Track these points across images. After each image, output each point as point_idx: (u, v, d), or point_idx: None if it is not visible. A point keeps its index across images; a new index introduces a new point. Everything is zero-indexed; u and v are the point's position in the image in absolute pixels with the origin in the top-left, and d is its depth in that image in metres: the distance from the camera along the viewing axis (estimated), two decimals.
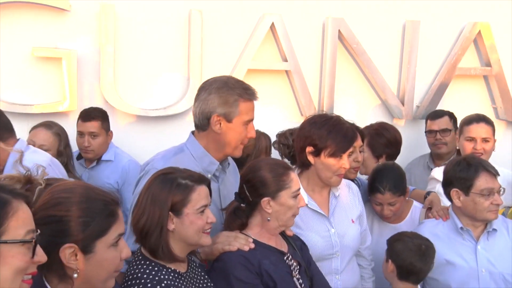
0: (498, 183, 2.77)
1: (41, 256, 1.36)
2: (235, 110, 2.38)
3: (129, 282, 1.94)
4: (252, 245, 2.23)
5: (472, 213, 2.78)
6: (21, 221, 1.31)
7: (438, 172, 3.46)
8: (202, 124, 2.44)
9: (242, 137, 2.45)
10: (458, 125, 3.73)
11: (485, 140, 3.44)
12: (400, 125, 4.51)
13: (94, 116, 3.60)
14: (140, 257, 2.02)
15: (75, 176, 3.32)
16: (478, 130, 3.44)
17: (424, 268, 2.65)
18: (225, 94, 2.38)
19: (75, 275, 1.56)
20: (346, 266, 2.66)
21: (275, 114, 4.27)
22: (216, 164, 2.47)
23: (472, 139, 3.44)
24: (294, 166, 2.66)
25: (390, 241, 2.76)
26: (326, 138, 2.55)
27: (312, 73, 4.30)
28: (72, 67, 3.68)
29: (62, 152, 3.31)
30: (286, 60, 4.17)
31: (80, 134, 3.60)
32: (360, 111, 4.47)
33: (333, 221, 2.66)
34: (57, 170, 2.79)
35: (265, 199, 2.24)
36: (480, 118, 3.51)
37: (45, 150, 3.14)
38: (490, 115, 4.77)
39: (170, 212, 1.98)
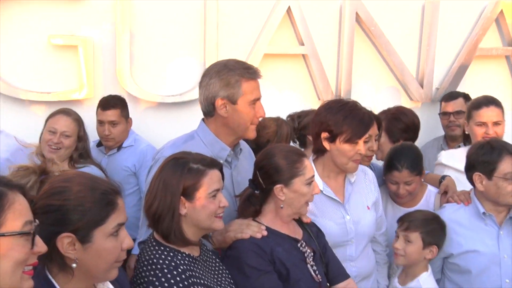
0: None
1: (40, 246, 1.36)
2: (238, 91, 2.33)
3: (144, 268, 1.93)
4: (265, 233, 2.21)
5: (495, 198, 2.71)
6: (18, 212, 1.31)
7: (445, 157, 3.38)
8: (209, 110, 2.40)
9: (250, 117, 2.40)
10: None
11: (496, 123, 3.28)
12: (418, 107, 4.45)
13: (114, 104, 3.59)
14: (154, 243, 2.01)
15: (94, 162, 3.33)
16: (488, 114, 3.28)
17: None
18: (226, 76, 2.34)
19: (74, 265, 1.55)
20: (361, 253, 2.63)
21: (292, 99, 4.23)
22: (227, 150, 2.44)
23: (483, 124, 3.28)
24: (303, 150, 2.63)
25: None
26: (342, 123, 2.50)
27: (329, 56, 4.24)
28: (89, 55, 3.68)
29: (82, 137, 3.30)
30: (303, 44, 4.11)
31: (100, 122, 3.61)
32: (378, 95, 4.41)
33: (348, 208, 2.63)
34: (24, 156, 2.76)
35: (278, 186, 2.21)
36: (489, 101, 3.33)
37: (67, 137, 3.19)
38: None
39: (182, 197, 1.97)
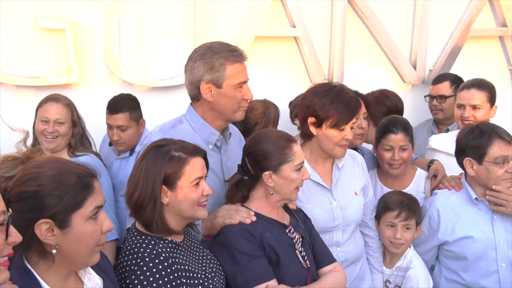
0: None
1: (15, 236, 1.31)
2: (222, 75, 2.29)
3: (126, 257, 1.91)
4: (254, 218, 2.18)
5: (486, 182, 2.67)
6: None
7: (434, 142, 3.33)
8: (194, 95, 2.36)
9: (237, 100, 2.35)
10: None
11: (474, 107, 3.21)
12: (411, 89, 4.41)
13: (121, 107, 3.31)
14: (135, 232, 1.98)
15: (92, 150, 3.24)
16: (467, 97, 3.22)
17: None
18: (210, 59, 2.29)
19: (54, 251, 1.52)
20: (348, 239, 2.60)
21: (284, 82, 4.17)
22: (216, 135, 2.40)
23: (461, 106, 3.24)
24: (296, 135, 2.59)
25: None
26: (328, 108, 2.44)
27: (321, 38, 4.17)
28: (77, 38, 3.60)
29: (76, 122, 3.16)
30: (294, 26, 4.05)
31: (109, 126, 3.35)
32: (371, 77, 4.35)
33: (335, 193, 2.58)
34: None
35: (267, 173, 2.18)
36: (471, 84, 3.26)
37: (61, 124, 3.07)
38: (506, 77, 4.65)
39: (163, 186, 1.93)
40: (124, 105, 3.33)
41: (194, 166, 1.97)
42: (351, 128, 2.52)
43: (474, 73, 4.50)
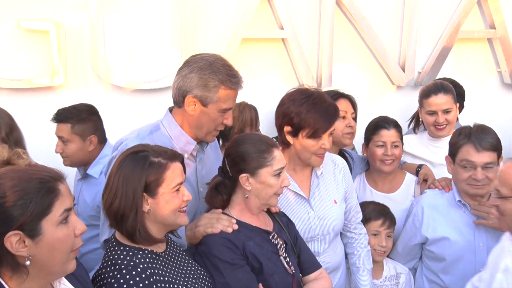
0: (484, 158, 2.54)
1: None
2: (213, 96, 2.21)
3: (104, 270, 1.84)
4: (236, 226, 2.10)
5: (456, 183, 2.67)
6: None
7: (406, 143, 3.28)
8: (178, 101, 2.29)
9: (216, 124, 2.28)
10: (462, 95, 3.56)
11: (446, 111, 3.21)
12: (400, 91, 4.36)
13: (65, 118, 3.01)
14: (114, 243, 1.91)
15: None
16: (437, 103, 3.21)
17: None
18: (207, 77, 2.20)
19: (28, 263, 1.44)
20: (327, 248, 2.53)
21: (272, 84, 4.10)
22: (193, 144, 2.33)
23: (432, 112, 3.24)
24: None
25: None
26: (304, 117, 2.36)
27: (310, 40, 4.10)
28: (61, 40, 3.52)
29: (5, 140, 2.70)
30: (282, 28, 3.97)
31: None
32: (360, 79, 4.28)
33: (313, 203, 2.51)
34: None
35: (244, 175, 2.11)
36: (437, 89, 3.25)
37: None
38: (495, 79, 4.63)
39: (144, 193, 1.85)
40: (69, 116, 3.04)
41: (175, 172, 1.90)
42: (330, 134, 2.44)
43: (462, 74, 4.48)
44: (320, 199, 2.53)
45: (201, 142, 2.40)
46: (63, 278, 1.62)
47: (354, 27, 4.21)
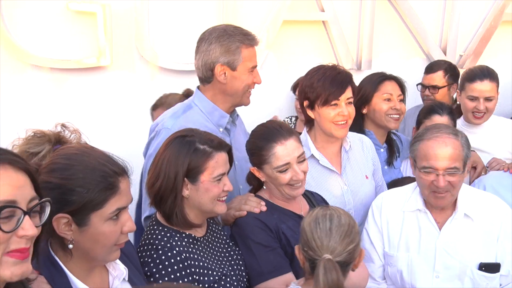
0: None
1: (27, 229, 1.15)
2: (238, 58, 2.26)
3: (142, 248, 1.84)
4: (264, 208, 2.06)
5: None
6: None
7: None
8: (207, 76, 2.30)
9: (248, 84, 2.32)
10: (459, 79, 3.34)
11: (488, 98, 3.07)
12: None
13: None
14: (154, 223, 1.89)
15: None
16: (481, 89, 3.07)
17: None
18: (226, 42, 2.25)
19: (71, 246, 1.44)
20: (360, 224, 2.44)
21: (312, 66, 4.06)
22: (226, 117, 2.34)
23: (474, 98, 3.09)
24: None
25: None
26: (315, 86, 2.36)
27: (350, 23, 4.00)
28: (107, 21, 3.53)
29: None
30: (323, 10, 3.89)
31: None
32: (401, 62, 4.17)
33: (345, 177, 2.46)
34: None
35: (253, 168, 2.10)
36: (483, 75, 3.10)
37: None
38: None
39: (185, 178, 1.82)
40: None
41: (218, 161, 1.86)
42: (349, 103, 2.41)
43: (504, 58, 4.33)
44: (352, 173, 2.50)
45: (233, 115, 2.43)
46: None
47: (396, 10, 4.09)
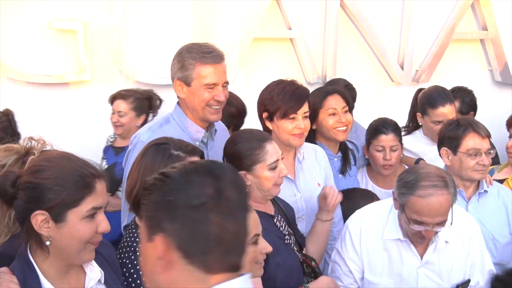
0: (486, 144, 2.67)
1: None
2: (191, 74, 2.33)
3: (121, 250, 1.92)
4: None
5: (459, 172, 2.71)
6: None
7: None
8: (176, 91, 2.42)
9: (205, 100, 2.36)
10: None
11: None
12: (399, 88, 4.49)
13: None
14: (133, 226, 1.97)
15: None
16: (445, 112, 3.19)
17: None
18: (183, 59, 2.35)
19: (48, 243, 1.52)
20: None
21: None
22: (201, 132, 2.41)
23: (440, 122, 3.16)
24: None
25: None
26: (275, 100, 2.48)
27: (316, 40, 4.21)
28: (87, 39, 3.63)
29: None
30: (290, 28, 4.08)
31: None
32: (362, 76, 4.39)
33: (299, 185, 2.59)
34: None
35: (241, 172, 2.14)
36: (443, 99, 3.21)
37: None
38: (486, 77, 4.76)
39: None
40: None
41: None
42: (305, 117, 2.52)
43: (456, 73, 4.63)
44: (305, 181, 2.61)
45: (210, 130, 2.50)
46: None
47: (357, 28, 4.32)
